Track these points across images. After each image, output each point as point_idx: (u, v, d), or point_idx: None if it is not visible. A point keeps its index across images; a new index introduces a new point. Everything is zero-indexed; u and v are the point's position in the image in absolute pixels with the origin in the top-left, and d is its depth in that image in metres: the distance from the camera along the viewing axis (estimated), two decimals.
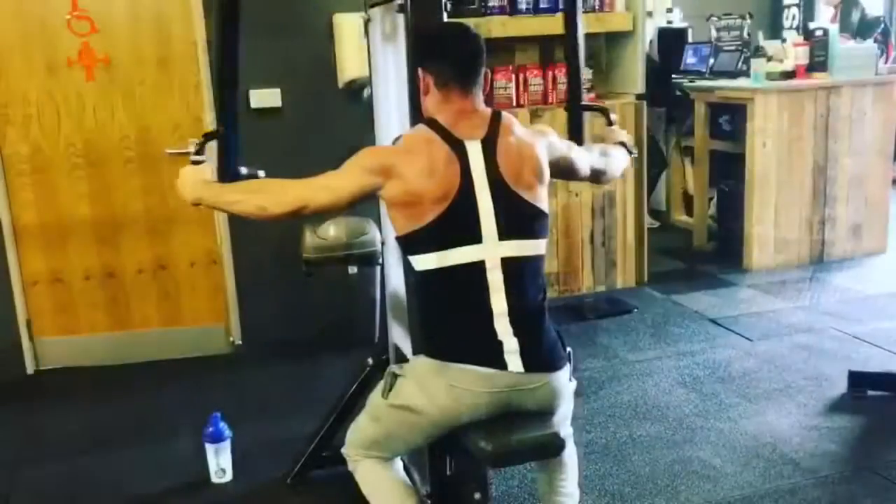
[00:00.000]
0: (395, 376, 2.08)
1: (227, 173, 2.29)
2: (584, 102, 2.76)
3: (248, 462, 3.14)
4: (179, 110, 4.06)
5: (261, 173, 2.31)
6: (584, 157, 2.30)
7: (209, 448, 3.00)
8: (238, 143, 2.35)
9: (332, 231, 4.15)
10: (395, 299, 2.72)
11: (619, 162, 2.46)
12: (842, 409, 3.40)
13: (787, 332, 4.26)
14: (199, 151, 2.24)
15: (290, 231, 4.19)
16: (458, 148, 2.00)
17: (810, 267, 5.30)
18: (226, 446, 3.01)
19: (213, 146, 2.34)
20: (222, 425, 2.99)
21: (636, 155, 2.60)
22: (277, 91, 4.20)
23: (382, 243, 2.92)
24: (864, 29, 6.29)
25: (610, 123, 2.65)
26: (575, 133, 2.68)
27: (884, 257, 5.47)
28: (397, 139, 2.12)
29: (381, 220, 2.83)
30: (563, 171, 2.23)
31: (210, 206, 2.14)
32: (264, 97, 4.16)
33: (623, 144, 2.52)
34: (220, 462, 3.01)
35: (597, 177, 2.38)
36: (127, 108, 4.02)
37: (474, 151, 2.00)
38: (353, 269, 4.15)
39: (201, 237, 4.21)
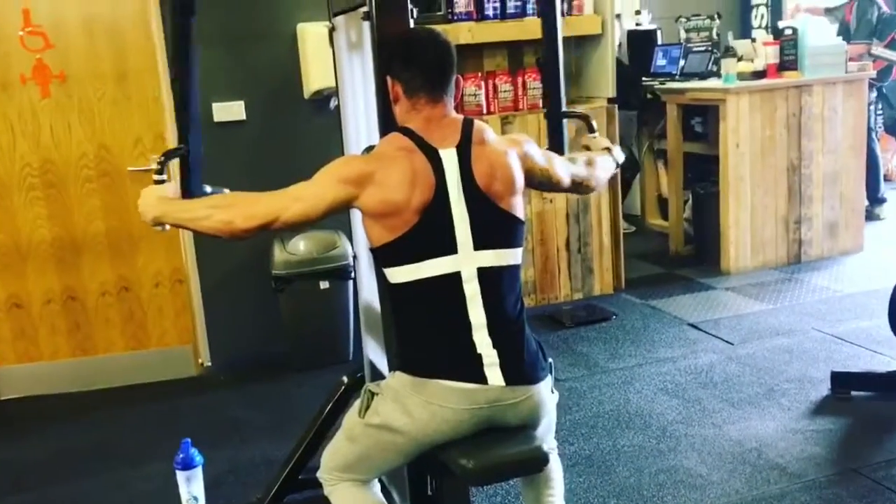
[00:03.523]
0: (371, 395, 2.05)
1: (191, 192, 2.27)
2: (564, 109, 2.70)
3: (220, 489, 3.09)
4: (140, 126, 4.00)
5: (225, 191, 2.28)
6: (563, 167, 2.26)
7: (180, 475, 2.94)
8: (201, 161, 2.34)
9: (302, 245, 4.12)
10: (369, 314, 2.70)
11: (605, 171, 2.42)
12: (826, 411, 3.42)
13: (767, 334, 4.28)
14: (161, 171, 2.23)
15: (259, 247, 4.16)
16: (433, 156, 1.98)
17: (788, 268, 5.34)
18: (197, 473, 2.95)
19: (174, 165, 2.32)
20: (193, 451, 2.93)
21: (622, 161, 2.57)
22: (241, 104, 4.16)
23: (354, 256, 2.89)
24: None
25: (592, 130, 2.61)
26: (555, 142, 2.64)
27: (861, 255, 5.53)
28: (369, 149, 2.10)
29: (353, 232, 2.80)
30: (541, 181, 2.20)
31: (173, 224, 2.11)
32: (228, 110, 4.12)
33: (609, 151, 2.50)
34: (191, 490, 2.95)
35: (579, 187, 2.34)
36: (84, 125, 3.96)
37: (448, 160, 1.99)
38: (324, 284, 4.12)
39: (166, 256, 4.15)
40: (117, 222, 4.06)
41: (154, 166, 2.24)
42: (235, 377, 4.19)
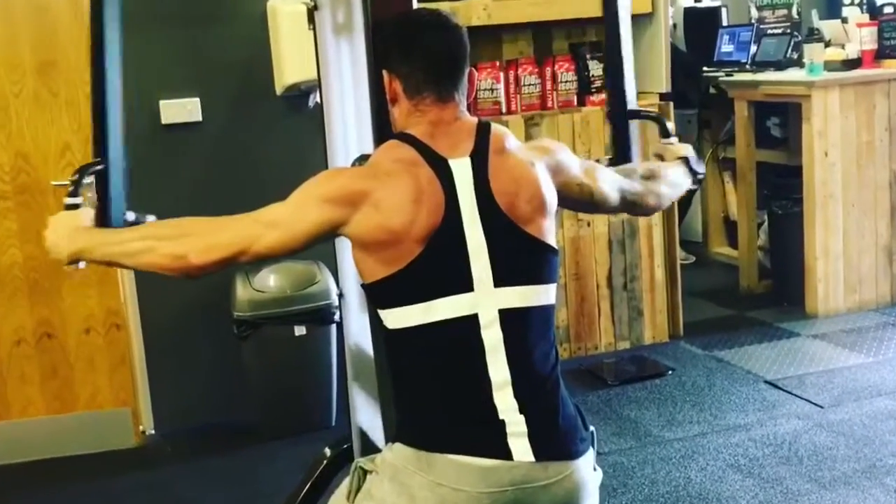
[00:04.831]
0: (363, 472, 2.03)
1: (109, 220, 2.27)
2: (631, 108, 2.70)
3: None
4: (68, 129, 4.04)
5: (150, 218, 2.29)
6: (609, 182, 2.24)
7: None
8: (125, 180, 2.34)
9: (272, 281, 4.12)
10: (358, 369, 2.69)
11: (673, 186, 2.42)
12: None
13: (867, 394, 4.27)
14: (75, 192, 2.22)
15: (218, 283, 4.16)
16: (442, 169, 1.98)
17: (892, 309, 5.33)
18: None
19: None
20: None
21: (703, 176, 2.56)
22: (196, 101, 4.19)
23: (340, 295, 2.89)
24: None
25: (666, 135, 2.63)
26: (622, 150, 2.65)
27: None
28: (361, 159, 2.10)
29: (338, 263, 2.81)
30: (579, 199, 2.19)
31: (98, 260, 2.11)
32: (179, 110, 4.15)
33: (686, 161, 2.49)
34: None
35: (632, 207, 2.34)
36: None
37: (461, 173, 1.99)
38: (300, 330, 4.12)
39: (99, 294, 4.17)
40: (38, 251, 4.06)
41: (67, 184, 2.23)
42: (186, 448, 4.18)
